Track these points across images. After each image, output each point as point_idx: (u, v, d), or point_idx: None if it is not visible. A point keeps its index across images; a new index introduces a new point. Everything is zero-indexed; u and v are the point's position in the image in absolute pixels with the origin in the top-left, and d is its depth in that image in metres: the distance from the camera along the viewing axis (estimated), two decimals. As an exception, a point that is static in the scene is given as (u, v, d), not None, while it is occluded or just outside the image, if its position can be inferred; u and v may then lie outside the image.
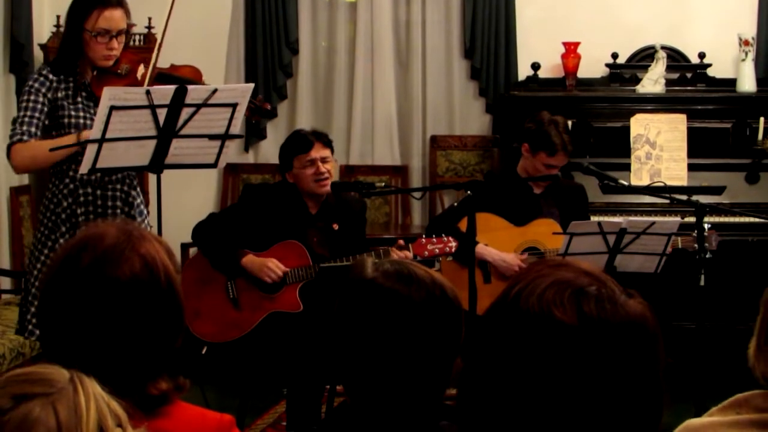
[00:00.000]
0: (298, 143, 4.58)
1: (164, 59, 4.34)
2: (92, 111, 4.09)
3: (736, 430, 1.76)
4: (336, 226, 4.65)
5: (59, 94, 4.09)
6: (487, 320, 1.40)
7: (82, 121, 4.10)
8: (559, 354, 1.32)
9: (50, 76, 4.10)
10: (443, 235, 4.57)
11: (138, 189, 4.32)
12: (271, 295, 4.53)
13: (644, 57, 6.51)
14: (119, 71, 4.14)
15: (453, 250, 4.55)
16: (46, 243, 4.15)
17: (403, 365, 1.86)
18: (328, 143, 4.61)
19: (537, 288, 1.36)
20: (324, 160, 4.55)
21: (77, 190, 4.11)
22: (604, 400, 1.32)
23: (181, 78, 4.15)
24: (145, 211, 4.36)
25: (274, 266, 4.47)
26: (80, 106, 4.11)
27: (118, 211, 4.18)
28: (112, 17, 4.08)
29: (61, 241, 4.09)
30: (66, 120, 4.09)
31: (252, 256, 4.51)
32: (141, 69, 4.17)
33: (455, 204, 5.03)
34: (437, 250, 4.54)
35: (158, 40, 4.25)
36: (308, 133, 4.63)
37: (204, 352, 4.57)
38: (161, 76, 4.16)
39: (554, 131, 4.79)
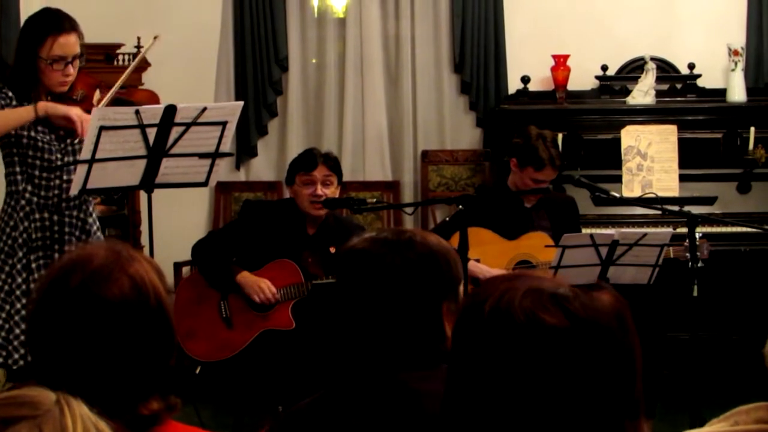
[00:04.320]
0: (304, 160, 4.60)
1: (154, 76, 4.34)
2: (49, 137, 4.04)
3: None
4: (333, 249, 4.63)
5: None
6: (464, 342, 1.40)
7: (40, 144, 4.04)
8: (552, 357, 1.33)
9: (10, 93, 4.04)
10: None
11: (94, 216, 4.25)
12: (264, 314, 4.52)
13: (634, 68, 6.52)
14: (75, 97, 4.07)
15: None
16: (2, 268, 4.07)
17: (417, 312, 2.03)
18: (333, 167, 4.60)
19: (513, 299, 1.36)
20: (325, 182, 4.54)
21: (33, 214, 4.07)
22: (591, 392, 1.34)
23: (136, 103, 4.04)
24: (102, 239, 4.28)
25: (265, 287, 4.46)
26: (39, 128, 4.04)
27: (74, 239, 4.12)
28: (67, 43, 3.99)
29: (19, 266, 4.03)
30: (25, 141, 4.03)
31: (247, 273, 4.51)
32: (97, 94, 4.10)
33: (447, 219, 5.02)
34: None
35: (129, 68, 4.21)
36: (317, 154, 4.62)
37: (198, 372, 4.56)
38: (117, 101, 4.07)
39: (542, 146, 4.79)
